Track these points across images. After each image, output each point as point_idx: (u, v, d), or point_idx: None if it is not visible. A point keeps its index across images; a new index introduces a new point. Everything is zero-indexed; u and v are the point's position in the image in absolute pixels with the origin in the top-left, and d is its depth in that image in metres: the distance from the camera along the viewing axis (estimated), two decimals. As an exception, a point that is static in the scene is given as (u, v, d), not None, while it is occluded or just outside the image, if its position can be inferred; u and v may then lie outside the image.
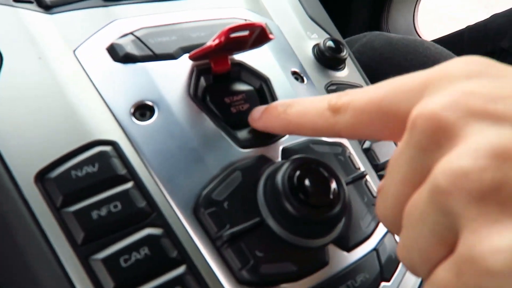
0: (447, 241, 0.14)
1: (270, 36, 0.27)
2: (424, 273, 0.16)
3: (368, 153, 0.33)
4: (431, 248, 0.15)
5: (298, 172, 0.24)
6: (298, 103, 0.24)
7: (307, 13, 0.42)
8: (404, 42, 0.53)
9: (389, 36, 0.55)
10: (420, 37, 1.14)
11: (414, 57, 0.51)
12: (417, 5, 1.15)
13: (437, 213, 0.14)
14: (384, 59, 0.53)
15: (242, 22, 0.34)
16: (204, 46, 0.26)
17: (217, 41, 0.25)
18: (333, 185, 0.25)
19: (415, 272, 0.17)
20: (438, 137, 0.15)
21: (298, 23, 0.40)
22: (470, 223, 0.13)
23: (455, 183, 0.13)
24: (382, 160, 0.33)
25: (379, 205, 0.19)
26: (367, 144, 0.33)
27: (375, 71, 0.53)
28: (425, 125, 0.15)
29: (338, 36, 0.42)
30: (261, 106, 0.27)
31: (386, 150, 0.34)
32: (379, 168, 0.33)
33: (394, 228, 0.18)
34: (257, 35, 0.27)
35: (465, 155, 0.14)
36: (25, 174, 0.22)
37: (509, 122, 0.14)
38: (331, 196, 0.24)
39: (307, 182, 0.24)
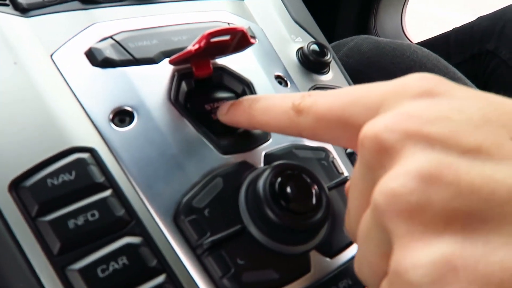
0: (387, 257, 0.15)
1: (252, 40, 0.27)
2: (374, 286, 0.17)
3: (352, 157, 0.33)
4: (377, 262, 0.16)
5: (279, 179, 0.24)
6: (264, 98, 0.24)
7: (291, 16, 0.41)
8: (391, 45, 0.53)
9: (377, 40, 0.55)
10: (408, 38, 1.15)
11: (401, 60, 0.51)
12: (404, 7, 1.16)
13: (378, 230, 0.16)
14: (371, 62, 0.53)
15: (225, 26, 0.33)
16: (185, 51, 0.26)
17: (197, 46, 0.25)
18: (315, 191, 0.24)
19: (367, 285, 0.18)
20: (381, 157, 0.16)
21: (282, 26, 0.39)
22: (399, 239, 0.14)
23: (388, 203, 0.14)
24: None
25: (346, 218, 0.20)
26: (350, 149, 0.33)
27: (363, 74, 0.53)
28: (370, 146, 0.16)
29: (323, 40, 0.42)
30: (230, 101, 0.27)
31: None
32: None
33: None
34: (239, 40, 0.27)
35: (397, 178, 0.15)
36: (-1, 183, 0.21)
37: (440, 144, 0.15)
38: (313, 203, 0.24)
39: (288, 188, 0.24)
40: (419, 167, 0.14)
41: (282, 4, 0.42)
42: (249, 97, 0.26)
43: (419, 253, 0.14)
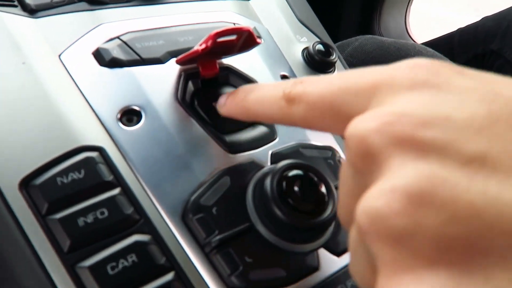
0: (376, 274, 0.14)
1: (258, 40, 0.27)
2: None
3: None
4: (366, 275, 0.15)
5: (287, 177, 0.24)
6: (257, 88, 0.23)
7: (296, 16, 0.41)
8: (396, 45, 0.53)
9: (381, 40, 0.55)
10: (412, 38, 1.15)
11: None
12: (408, 7, 1.16)
13: (364, 248, 0.14)
14: (376, 62, 0.53)
15: (230, 26, 0.34)
16: (191, 51, 0.26)
17: (203, 46, 0.25)
18: (323, 190, 0.25)
19: None
20: (368, 161, 0.14)
21: (287, 26, 0.40)
22: (384, 267, 0.12)
23: (371, 224, 0.12)
24: None
25: (337, 207, 0.19)
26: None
27: None
28: (355, 147, 0.14)
29: (328, 39, 0.42)
30: (228, 92, 0.26)
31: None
32: None
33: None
34: (245, 39, 0.27)
35: (381, 195, 0.12)
36: (9, 181, 0.21)
37: (435, 154, 0.12)
38: (321, 201, 0.24)
39: (296, 187, 0.24)
40: (408, 183, 0.12)
41: (287, 4, 0.42)
42: (244, 87, 0.24)
43: None
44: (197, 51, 0.25)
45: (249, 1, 0.39)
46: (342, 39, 0.63)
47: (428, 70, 0.14)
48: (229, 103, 0.25)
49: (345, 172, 0.17)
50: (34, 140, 0.23)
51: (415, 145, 0.13)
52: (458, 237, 0.11)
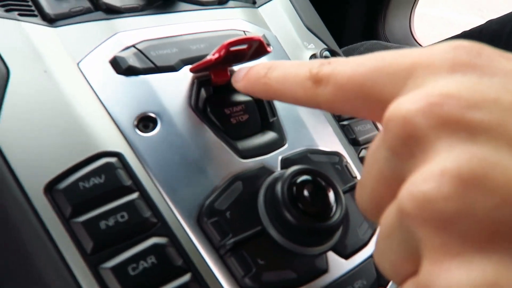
0: (413, 261, 0.14)
1: (268, 49, 0.28)
2: (397, 282, 0.15)
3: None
4: (399, 262, 0.14)
5: (297, 182, 0.25)
6: (280, 66, 0.22)
7: (303, 22, 0.42)
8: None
9: (387, 45, 0.56)
10: (417, 41, 1.15)
11: None
12: (413, 10, 1.16)
13: (403, 234, 0.14)
14: None
15: (242, 36, 0.35)
16: (205, 60, 0.27)
17: (216, 55, 0.26)
18: (331, 194, 0.26)
19: (389, 278, 0.16)
20: (410, 145, 0.13)
21: (295, 33, 0.41)
22: (431, 253, 0.12)
23: (418, 208, 0.12)
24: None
25: (358, 195, 0.18)
26: (362, 153, 0.34)
27: None
28: (397, 129, 0.14)
29: (335, 46, 0.43)
30: (245, 67, 0.25)
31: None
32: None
33: (374, 220, 0.17)
34: (256, 48, 0.28)
35: (430, 179, 0.12)
36: (34, 185, 0.23)
37: (485, 136, 0.12)
38: (329, 206, 0.25)
39: (305, 192, 0.25)
40: (458, 166, 0.12)
41: (295, 11, 0.43)
42: (265, 63, 0.23)
43: (456, 274, 0.11)
44: (210, 60, 0.26)
45: (258, 8, 0.40)
46: (347, 42, 0.64)
47: (469, 52, 0.14)
48: (248, 78, 0.24)
49: (376, 158, 0.16)
50: (57, 145, 0.24)
51: (464, 127, 0.12)
52: (510, 221, 0.11)
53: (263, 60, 0.33)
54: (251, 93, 0.25)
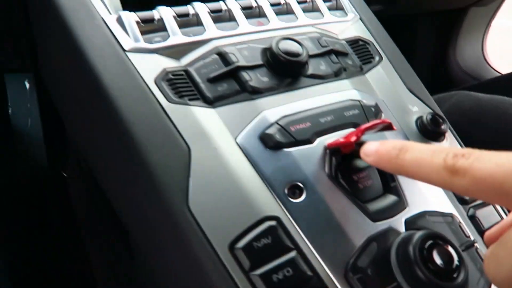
0: None
1: (394, 127, 0.33)
2: None
3: (473, 220, 0.38)
4: None
5: (427, 245, 0.30)
6: (412, 150, 0.24)
7: (405, 85, 0.47)
8: (493, 103, 0.56)
9: (477, 97, 0.58)
10: (491, 66, 1.12)
11: (504, 118, 0.54)
12: (485, 34, 1.13)
13: None
14: (473, 120, 0.56)
15: (357, 105, 0.40)
16: (344, 141, 0.33)
17: (355, 138, 0.32)
18: (455, 255, 0.30)
19: None
20: None
21: (400, 97, 0.45)
22: None
23: None
24: (486, 226, 0.38)
25: (492, 268, 0.20)
26: (471, 212, 0.38)
27: (465, 133, 0.57)
28: None
29: (434, 106, 0.48)
30: (374, 142, 0.29)
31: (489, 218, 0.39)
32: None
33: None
34: (383, 127, 0.33)
35: None
36: (220, 243, 0.29)
37: None
38: (455, 266, 0.29)
39: (435, 253, 0.29)
40: None
41: (397, 75, 0.48)
42: (395, 144, 0.26)
43: None
44: (350, 142, 0.32)
45: (365, 74, 0.46)
46: (416, 68, 0.66)
47: None
48: (379, 156, 0.27)
49: None
50: (232, 211, 0.31)
51: None
52: None
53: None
54: (381, 168, 0.28)
